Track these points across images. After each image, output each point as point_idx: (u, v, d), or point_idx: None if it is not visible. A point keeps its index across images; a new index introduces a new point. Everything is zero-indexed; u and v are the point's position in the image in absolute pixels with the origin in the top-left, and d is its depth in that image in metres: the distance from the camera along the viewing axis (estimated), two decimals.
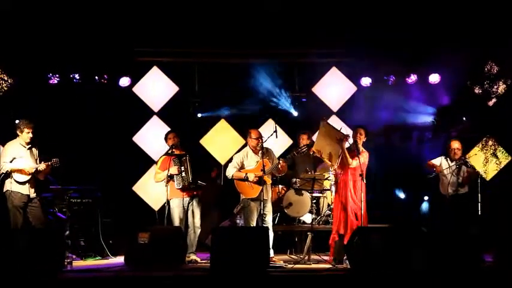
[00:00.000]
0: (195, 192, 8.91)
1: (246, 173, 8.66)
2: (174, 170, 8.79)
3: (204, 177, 9.06)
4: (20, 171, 8.48)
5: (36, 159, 8.67)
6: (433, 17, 10.11)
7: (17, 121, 8.71)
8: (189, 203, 8.88)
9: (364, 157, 8.44)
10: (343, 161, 8.38)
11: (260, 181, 8.52)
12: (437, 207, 9.42)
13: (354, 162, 8.28)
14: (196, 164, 8.93)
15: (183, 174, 8.80)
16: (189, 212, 8.88)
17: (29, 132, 8.56)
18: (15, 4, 9.78)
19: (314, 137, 10.33)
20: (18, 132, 8.60)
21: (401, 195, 11.38)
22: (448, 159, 9.25)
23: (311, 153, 8.92)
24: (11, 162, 8.46)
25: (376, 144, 10.22)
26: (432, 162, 9.38)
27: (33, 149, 8.71)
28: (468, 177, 9.05)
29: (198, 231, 8.86)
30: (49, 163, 8.57)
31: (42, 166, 8.54)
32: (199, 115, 11.42)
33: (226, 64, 11.26)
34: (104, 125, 10.88)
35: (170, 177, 8.82)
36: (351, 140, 8.48)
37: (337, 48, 10.94)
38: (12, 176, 8.46)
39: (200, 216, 8.92)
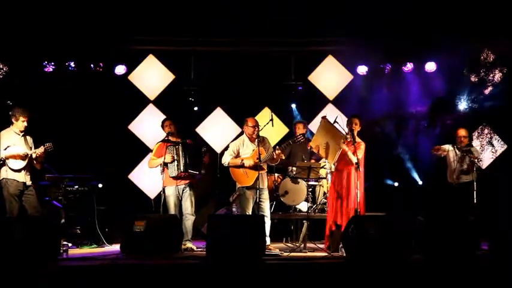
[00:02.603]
0: (188, 181, 8.90)
1: (242, 159, 8.67)
2: (167, 157, 8.78)
3: (197, 164, 8.98)
4: (15, 157, 8.46)
5: (31, 148, 8.65)
6: (430, 5, 10.07)
7: (14, 109, 8.68)
8: (183, 190, 8.88)
9: (362, 148, 8.47)
10: (340, 154, 8.41)
11: (256, 167, 8.51)
12: (442, 196, 9.43)
13: (354, 159, 8.29)
14: (191, 152, 8.90)
15: (176, 162, 8.79)
16: (183, 200, 8.87)
17: (24, 121, 8.54)
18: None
19: (310, 126, 10.37)
20: (13, 119, 8.58)
21: (394, 183, 11.40)
22: (455, 147, 9.30)
23: (309, 148, 8.94)
24: (5, 149, 8.44)
25: (373, 133, 10.25)
26: (440, 146, 9.39)
27: (27, 137, 8.69)
28: (472, 165, 9.07)
29: (193, 218, 8.85)
30: (43, 147, 8.55)
31: (39, 150, 8.52)
32: (195, 108, 11.36)
33: (222, 52, 11.22)
34: (99, 113, 10.84)
35: (165, 165, 8.82)
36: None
37: (333, 36, 10.90)
38: (7, 164, 8.44)
39: (194, 203, 8.92)
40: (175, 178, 8.82)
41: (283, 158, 9.17)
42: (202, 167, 8.97)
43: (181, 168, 8.76)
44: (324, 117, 8.71)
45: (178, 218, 8.67)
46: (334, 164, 8.59)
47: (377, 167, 10.30)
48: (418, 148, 10.84)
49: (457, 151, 9.27)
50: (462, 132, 9.31)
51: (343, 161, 8.47)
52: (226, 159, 8.81)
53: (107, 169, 10.48)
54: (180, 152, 8.79)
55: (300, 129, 9.82)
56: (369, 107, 10.72)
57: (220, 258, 7.34)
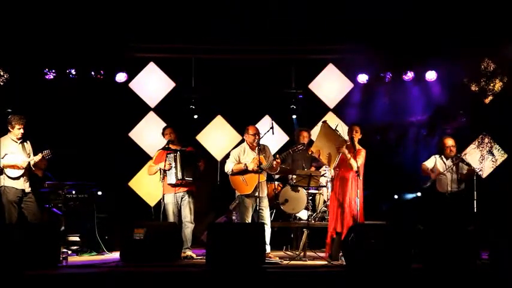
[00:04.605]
0: (187, 188, 8.90)
1: (245, 164, 8.67)
2: (165, 165, 8.79)
3: (194, 172, 8.98)
4: (13, 166, 8.47)
5: (29, 154, 8.65)
6: (431, 13, 10.09)
7: (9, 117, 8.70)
8: (182, 198, 8.88)
9: (362, 155, 8.46)
10: (340, 160, 8.40)
11: (257, 172, 8.51)
12: (435, 206, 9.36)
13: (354, 165, 8.28)
14: (189, 160, 8.90)
15: (174, 170, 8.79)
16: (182, 207, 8.87)
17: (20, 129, 8.54)
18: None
19: (312, 134, 10.35)
20: (9, 127, 8.59)
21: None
22: (442, 157, 9.23)
23: (310, 152, 8.94)
24: (2, 158, 8.44)
25: (372, 141, 10.25)
26: (426, 165, 9.32)
27: (25, 144, 8.69)
28: (467, 175, 9.03)
29: (192, 226, 8.85)
30: (40, 154, 8.55)
31: (37, 158, 8.52)
32: (195, 116, 11.35)
33: (223, 60, 11.23)
34: (100, 121, 10.85)
35: (164, 172, 8.83)
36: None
37: (334, 41, 10.91)
38: (5, 172, 8.44)
39: (194, 211, 8.91)
40: (173, 186, 8.82)
41: (288, 168, 9.22)
42: (198, 174, 8.97)
43: (179, 175, 8.76)
44: (324, 122, 8.71)
45: (178, 226, 8.67)
46: (334, 170, 8.57)
47: (377, 176, 10.27)
48: (418, 157, 10.81)
49: (445, 161, 9.19)
50: (450, 141, 9.19)
51: (343, 167, 8.46)
52: (229, 167, 8.80)
53: (107, 176, 10.47)
54: (178, 160, 8.80)
55: (304, 138, 9.81)
56: (369, 116, 10.74)
57: (220, 266, 7.33)
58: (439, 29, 10.13)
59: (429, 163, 9.29)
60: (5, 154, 8.50)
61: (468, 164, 9.07)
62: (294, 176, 9.51)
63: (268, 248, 8.51)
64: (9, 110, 9.52)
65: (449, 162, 9.11)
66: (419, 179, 10.51)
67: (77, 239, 9.58)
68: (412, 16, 10.03)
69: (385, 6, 9.68)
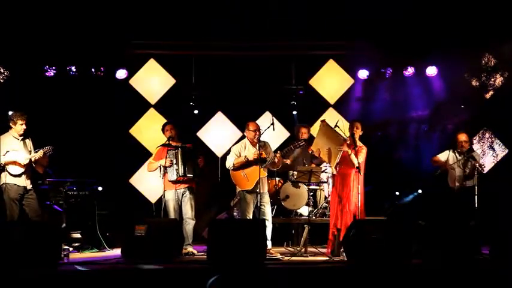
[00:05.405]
0: (188, 185, 8.90)
1: (245, 156, 8.66)
2: (166, 162, 8.79)
3: (195, 168, 8.97)
4: (14, 163, 8.47)
5: (30, 151, 8.64)
6: (431, 9, 10.08)
7: (10, 112, 8.69)
8: (183, 194, 8.88)
9: (363, 152, 8.46)
10: (341, 158, 8.40)
11: (260, 160, 8.50)
12: (440, 200, 9.39)
13: (355, 161, 8.29)
14: (190, 156, 8.90)
15: (175, 166, 8.79)
16: (183, 204, 8.87)
17: (22, 124, 8.53)
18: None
19: (310, 130, 10.35)
20: (11, 124, 8.58)
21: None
22: (456, 152, 9.27)
23: (310, 151, 8.94)
24: (4, 155, 8.44)
25: (373, 137, 10.25)
26: (438, 158, 9.38)
27: (27, 140, 8.68)
28: (473, 170, 9.04)
29: (192, 222, 8.84)
30: (42, 151, 8.54)
31: (38, 154, 8.52)
32: (195, 111, 11.35)
33: (223, 56, 11.23)
34: (100, 118, 10.85)
35: (165, 169, 8.83)
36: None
37: (334, 38, 10.90)
38: (6, 169, 8.44)
39: (194, 208, 8.91)
40: (174, 182, 8.82)
41: (288, 163, 9.21)
42: (198, 171, 8.98)
43: (180, 172, 8.76)
44: (323, 121, 8.73)
45: (179, 222, 8.67)
46: (336, 168, 8.59)
47: (377, 172, 10.27)
48: (420, 152, 10.82)
49: (457, 156, 9.24)
50: (463, 137, 9.27)
51: (344, 164, 8.46)
52: (230, 162, 8.77)
53: (108, 173, 10.48)
54: (179, 157, 8.79)
55: (303, 134, 9.80)
56: (370, 111, 10.73)
57: (221, 262, 7.33)
58: (439, 29, 10.13)
59: (442, 156, 9.35)
60: (7, 151, 8.49)
61: (475, 160, 9.07)
62: (295, 172, 9.52)
63: (269, 244, 8.51)
64: (10, 113, 9.53)
65: (461, 158, 9.15)
66: (420, 176, 10.59)
67: (78, 235, 9.59)
68: (412, 17, 10.03)
69: (385, 6, 9.68)
